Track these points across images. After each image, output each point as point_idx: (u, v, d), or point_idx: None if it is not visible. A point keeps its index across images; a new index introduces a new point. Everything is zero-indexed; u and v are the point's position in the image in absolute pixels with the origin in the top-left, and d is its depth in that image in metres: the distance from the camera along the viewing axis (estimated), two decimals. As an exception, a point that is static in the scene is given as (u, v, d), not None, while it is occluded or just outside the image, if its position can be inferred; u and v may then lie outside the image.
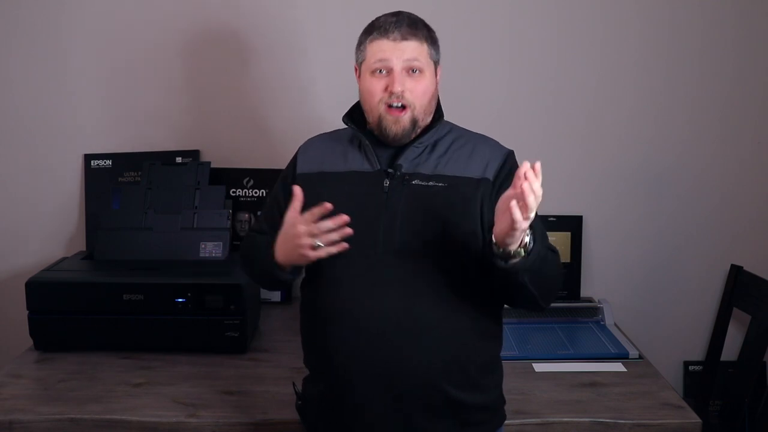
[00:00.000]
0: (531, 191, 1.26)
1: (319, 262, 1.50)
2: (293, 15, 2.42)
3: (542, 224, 1.54)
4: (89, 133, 2.47)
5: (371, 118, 1.54)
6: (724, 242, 2.49)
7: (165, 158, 2.44)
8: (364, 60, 1.53)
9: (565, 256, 2.45)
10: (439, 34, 1.57)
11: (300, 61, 2.44)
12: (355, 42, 1.56)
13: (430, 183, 1.50)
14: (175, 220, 2.26)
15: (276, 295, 2.46)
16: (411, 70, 1.50)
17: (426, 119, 1.54)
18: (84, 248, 2.45)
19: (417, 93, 1.50)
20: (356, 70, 1.57)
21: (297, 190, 1.44)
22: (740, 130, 2.46)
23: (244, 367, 1.99)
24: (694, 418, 1.73)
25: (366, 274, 1.46)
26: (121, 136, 2.48)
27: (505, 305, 1.55)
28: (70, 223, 2.50)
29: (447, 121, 1.60)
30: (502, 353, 1.60)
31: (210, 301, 2.02)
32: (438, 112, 1.58)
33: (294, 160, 1.64)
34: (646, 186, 2.48)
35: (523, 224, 1.28)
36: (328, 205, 1.39)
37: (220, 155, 2.47)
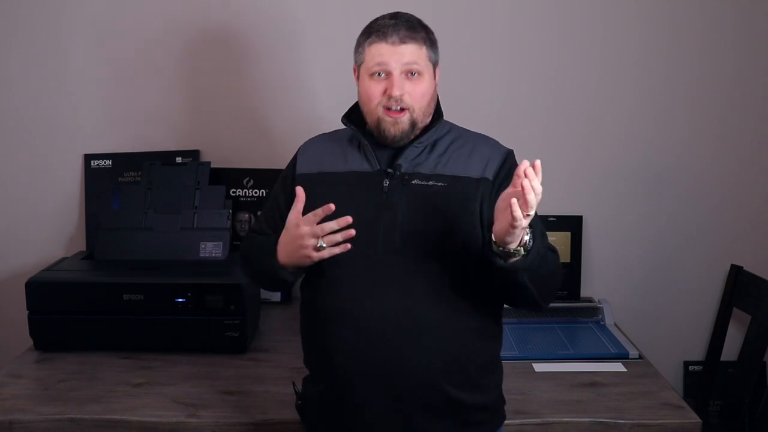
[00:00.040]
0: (531, 189, 1.26)
1: (320, 263, 1.50)
2: (293, 15, 2.42)
3: (542, 224, 1.54)
4: (89, 133, 2.47)
5: (370, 120, 1.54)
6: (724, 242, 2.49)
7: (165, 158, 2.44)
8: (362, 63, 1.53)
9: (565, 256, 2.45)
10: (439, 34, 1.57)
11: (300, 61, 2.44)
12: (355, 42, 1.56)
13: (430, 183, 1.50)
14: (175, 220, 2.26)
15: (276, 295, 2.46)
16: (410, 73, 1.50)
17: (425, 120, 1.54)
18: (84, 248, 2.45)
19: (416, 96, 1.50)
20: (355, 71, 1.57)
21: (300, 191, 1.44)
22: (740, 130, 2.46)
23: (244, 367, 1.99)
24: (694, 418, 1.73)
25: (366, 274, 1.46)
26: (121, 136, 2.48)
27: (505, 305, 1.55)
28: (70, 223, 2.50)
29: (446, 121, 1.60)
30: (502, 353, 1.60)
31: (210, 301, 2.02)
32: (437, 112, 1.58)
33: (294, 161, 1.64)
34: (646, 186, 2.48)
35: (523, 222, 1.28)
36: (331, 206, 1.39)
37: (220, 155, 2.47)
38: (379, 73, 1.50)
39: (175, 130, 2.48)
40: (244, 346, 2.06)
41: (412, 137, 1.53)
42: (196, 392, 1.84)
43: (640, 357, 2.07)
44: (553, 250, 1.49)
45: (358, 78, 1.56)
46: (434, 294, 1.46)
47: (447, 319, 1.45)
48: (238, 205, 2.48)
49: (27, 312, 2.04)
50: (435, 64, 1.55)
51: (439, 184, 1.50)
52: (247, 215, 2.50)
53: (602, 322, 2.31)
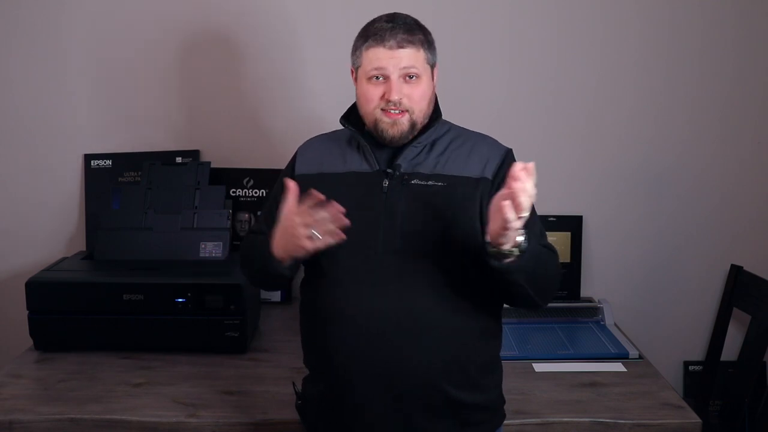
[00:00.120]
0: (523, 191, 1.26)
1: (319, 262, 1.50)
2: (293, 15, 2.42)
3: (541, 224, 1.55)
4: (89, 133, 2.47)
5: (368, 121, 1.54)
6: (724, 242, 2.49)
7: (165, 158, 2.44)
8: (360, 66, 1.53)
9: (565, 256, 2.45)
10: (439, 34, 1.57)
11: (300, 61, 2.44)
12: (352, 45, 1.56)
13: (429, 182, 1.50)
14: (175, 220, 2.26)
15: (276, 295, 2.46)
16: (408, 77, 1.50)
17: (424, 121, 1.54)
18: (84, 248, 2.45)
19: (415, 98, 1.50)
20: (352, 73, 1.57)
21: (291, 185, 1.41)
22: (740, 130, 2.46)
23: (244, 367, 1.99)
24: (694, 418, 1.73)
25: (366, 274, 1.46)
26: (121, 136, 2.48)
27: (505, 305, 1.55)
28: (70, 223, 2.50)
29: (445, 120, 1.60)
30: (502, 353, 1.60)
31: (210, 301, 2.02)
32: (436, 112, 1.58)
33: (293, 161, 1.64)
34: (646, 186, 2.48)
35: (516, 224, 1.28)
36: (320, 195, 1.37)
37: (220, 155, 2.47)
38: (377, 77, 1.50)
39: (175, 130, 2.48)
40: (244, 346, 2.06)
41: (411, 137, 1.53)
42: (196, 392, 1.84)
43: (640, 357, 2.07)
44: (552, 250, 1.50)
45: (355, 80, 1.56)
46: (434, 294, 1.46)
47: (447, 319, 1.45)
48: (238, 205, 2.48)
49: (27, 312, 2.04)
50: (433, 66, 1.55)
51: (439, 184, 1.50)
52: (247, 215, 2.50)
53: (602, 322, 2.31)
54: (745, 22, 2.40)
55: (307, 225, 1.37)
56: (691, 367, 2.54)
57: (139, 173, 2.42)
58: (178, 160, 2.45)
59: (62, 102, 2.45)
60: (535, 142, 2.41)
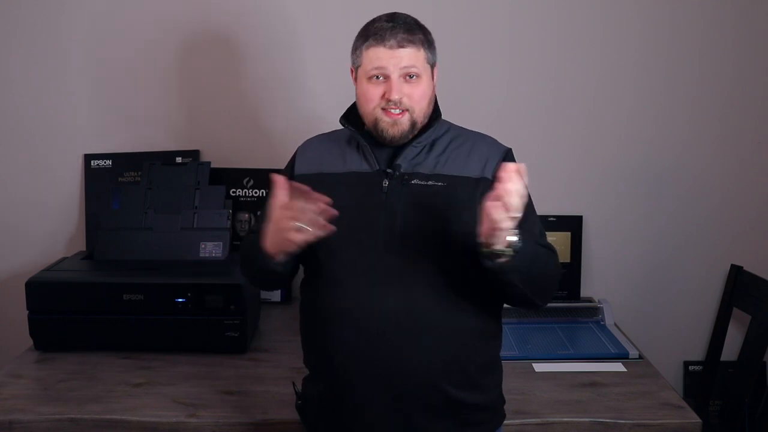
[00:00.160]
0: (511, 192, 1.26)
1: (319, 262, 1.50)
2: (293, 15, 2.42)
3: (541, 224, 1.55)
4: (89, 133, 2.47)
5: (368, 121, 1.54)
6: (724, 242, 2.49)
7: (165, 158, 2.44)
8: (360, 66, 1.52)
9: (565, 256, 2.45)
10: (439, 34, 1.57)
11: (300, 61, 2.44)
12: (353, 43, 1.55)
13: (429, 182, 1.50)
14: (175, 220, 2.26)
15: (276, 295, 2.46)
16: (408, 76, 1.50)
17: (424, 121, 1.54)
18: (84, 248, 2.45)
19: (415, 98, 1.50)
20: (352, 72, 1.57)
21: (279, 179, 1.39)
22: (740, 130, 2.46)
23: (244, 367, 1.99)
24: (694, 418, 1.73)
25: (366, 274, 1.46)
26: (121, 136, 2.48)
27: (505, 305, 1.55)
28: (70, 223, 2.50)
29: (444, 120, 1.60)
30: (502, 353, 1.60)
31: (210, 301, 2.02)
32: (435, 111, 1.58)
33: (292, 161, 1.63)
34: (646, 186, 2.48)
35: (506, 224, 1.28)
36: (304, 187, 1.36)
37: (220, 155, 2.47)
38: (377, 76, 1.50)
39: (175, 130, 2.48)
40: (244, 346, 2.06)
41: (411, 137, 1.53)
42: (196, 392, 1.84)
43: (640, 357, 2.07)
44: (551, 250, 1.50)
45: (355, 80, 1.56)
46: (434, 294, 1.46)
47: (447, 319, 1.45)
48: (238, 205, 2.48)
49: (27, 312, 2.04)
50: (433, 65, 1.55)
51: (439, 183, 1.50)
52: (247, 215, 2.50)
53: (602, 322, 2.31)
54: (745, 22, 2.40)
55: (294, 218, 1.36)
56: (691, 367, 2.54)
57: (139, 173, 2.42)
58: (178, 160, 2.45)
59: (62, 102, 2.45)
60: (535, 142, 2.42)
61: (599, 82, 2.44)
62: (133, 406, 1.76)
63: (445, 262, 1.47)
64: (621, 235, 2.50)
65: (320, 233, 1.37)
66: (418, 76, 1.50)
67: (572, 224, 2.47)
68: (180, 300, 2.02)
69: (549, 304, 2.05)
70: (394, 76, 1.48)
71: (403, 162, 1.52)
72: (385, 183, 1.51)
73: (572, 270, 2.46)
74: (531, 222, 1.51)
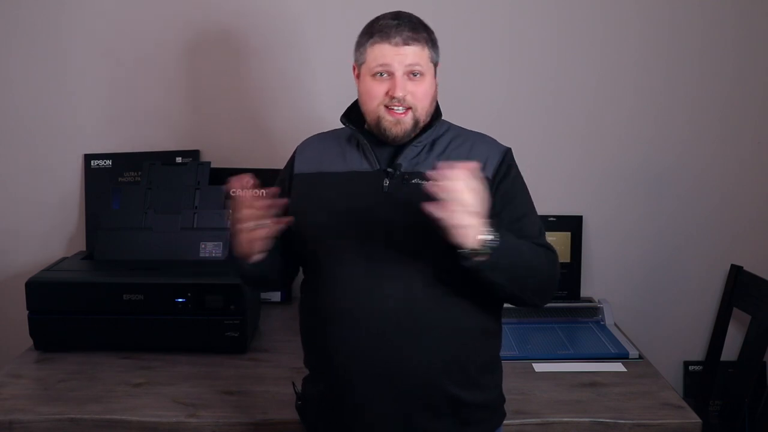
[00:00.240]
0: (448, 189, 1.29)
1: (319, 262, 1.50)
2: (293, 15, 2.42)
3: (541, 223, 1.54)
4: (89, 133, 2.47)
5: (370, 119, 1.53)
6: (724, 242, 2.49)
7: (165, 158, 2.44)
8: (364, 62, 1.52)
9: (565, 256, 2.45)
10: (439, 34, 1.57)
11: (300, 61, 2.44)
12: (355, 42, 1.55)
13: (430, 182, 1.50)
14: (175, 220, 2.26)
15: (276, 295, 2.46)
16: (412, 74, 1.50)
17: (426, 120, 1.54)
18: (84, 248, 2.45)
19: (418, 96, 1.50)
20: (354, 69, 1.57)
21: (233, 198, 1.45)
22: (740, 130, 2.46)
23: (244, 367, 1.99)
24: (694, 418, 1.73)
25: (366, 274, 1.46)
26: (121, 136, 2.48)
27: (505, 304, 1.55)
28: (70, 223, 2.50)
29: (444, 120, 1.60)
30: (502, 353, 1.60)
31: (210, 301, 2.02)
32: (436, 111, 1.58)
33: (291, 160, 1.63)
34: (646, 186, 2.48)
35: (463, 221, 1.30)
36: (250, 183, 1.43)
37: (220, 155, 2.47)
38: (381, 74, 1.50)
39: (175, 130, 2.48)
40: (244, 346, 2.06)
41: (413, 136, 1.53)
42: (196, 392, 1.84)
43: (640, 357, 2.07)
44: (550, 250, 1.49)
45: (357, 77, 1.55)
46: (434, 294, 1.46)
47: (447, 318, 1.45)
48: (238, 205, 2.48)
49: (27, 312, 2.04)
50: (436, 65, 1.55)
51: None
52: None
53: (602, 322, 2.31)
54: (745, 22, 2.40)
55: (248, 219, 1.41)
56: (691, 367, 2.54)
57: (139, 173, 2.42)
58: (178, 160, 2.45)
59: (62, 102, 2.45)
60: (535, 142, 2.42)
61: (599, 82, 2.44)
62: (133, 406, 1.76)
63: (446, 262, 1.46)
64: (621, 235, 2.50)
65: (278, 227, 1.43)
66: (422, 74, 1.50)
67: (572, 224, 2.47)
68: (180, 300, 2.02)
69: (549, 304, 2.05)
70: (399, 73, 1.48)
71: (404, 161, 1.52)
72: (386, 182, 1.50)
73: (572, 270, 2.46)
74: (530, 221, 1.51)
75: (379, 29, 1.49)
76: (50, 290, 2.03)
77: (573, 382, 1.91)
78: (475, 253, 1.33)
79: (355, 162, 1.55)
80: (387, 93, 1.49)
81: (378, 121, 1.51)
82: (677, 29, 2.41)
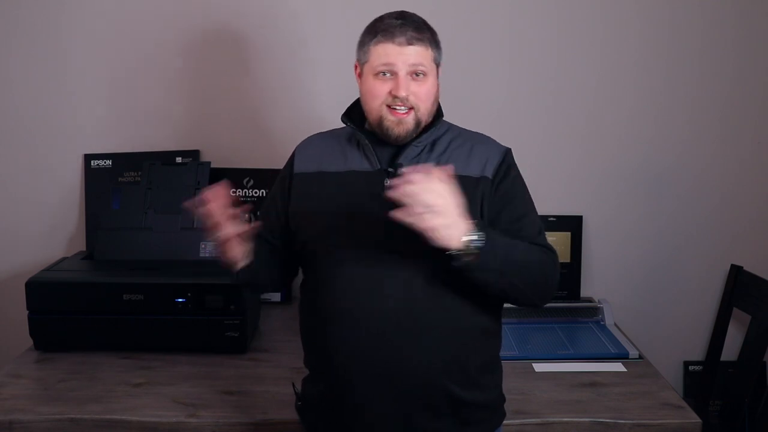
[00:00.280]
0: (407, 194, 1.29)
1: (319, 262, 1.50)
2: (293, 15, 2.42)
3: (541, 223, 1.54)
4: (89, 133, 2.47)
5: (371, 118, 1.53)
6: (724, 242, 2.49)
7: (165, 158, 2.44)
8: (367, 61, 1.52)
9: (565, 256, 2.45)
10: (439, 34, 1.57)
11: (300, 61, 2.44)
12: (356, 42, 1.55)
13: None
14: (175, 220, 2.26)
15: (276, 295, 2.46)
16: (415, 74, 1.49)
17: (428, 119, 1.54)
18: (84, 248, 2.45)
19: (421, 96, 1.50)
20: (356, 68, 1.57)
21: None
22: (740, 130, 2.46)
23: (244, 367, 1.99)
24: (694, 418, 1.73)
25: (366, 274, 1.46)
26: (121, 136, 2.48)
27: (506, 304, 1.55)
28: (70, 223, 2.50)
29: (444, 120, 1.59)
30: (502, 353, 1.60)
31: (210, 301, 2.02)
32: (437, 111, 1.58)
33: (291, 160, 1.63)
34: (646, 186, 2.48)
35: (420, 224, 1.30)
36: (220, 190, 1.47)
37: (220, 155, 2.47)
38: (384, 73, 1.50)
39: (175, 130, 2.48)
40: (244, 346, 2.06)
41: (415, 135, 1.53)
42: (196, 392, 1.84)
43: (640, 357, 2.07)
44: (550, 249, 1.49)
45: (359, 76, 1.55)
46: (434, 294, 1.46)
47: (447, 318, 1.45)
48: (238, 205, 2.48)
49: (27, 312, 2.03)
50: (438, 65, 1.55)
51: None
52: (246, 215, 2.49)
53: (602, 322, 2.31)
54: (745, 22, 2.40)
55: (214, 228, 1.47)
56: (691, 367, 2.54)
57: (139, 173, 2.42)
58: (178, 160, 2.45)
59: (62, 102, 2.45)
60: (535, 142, 2.42)
61: (599, 82, 2.44)
62: (133, 406, 1.76)
63: (446, 262, 1.46)
64: (621, 235, 2.50)
65: (244, 227, 1.49)
66: (425, 74, 1.50)
67: (572, 224, 2.47)
68: (180, 300, 2.02)
69: (549, 304, 2.05)
70: (402, 73, 1.48)
71: (405, 161, 1.52)
72: (387, 182, 1.50)
73: (572, 270, 2.46)
74: (530, 221, 1.51)
75: (383, 28, 1.49)
76: (50, 290, 2.03)
77: (573, 382, 1.91)
78: (461, 254, 1.33)
79: (356, 161, 1.55)
80: (390, 92, 1.49)
81: (380, 120, 1.51)
82: (677, 29, 2.41)
